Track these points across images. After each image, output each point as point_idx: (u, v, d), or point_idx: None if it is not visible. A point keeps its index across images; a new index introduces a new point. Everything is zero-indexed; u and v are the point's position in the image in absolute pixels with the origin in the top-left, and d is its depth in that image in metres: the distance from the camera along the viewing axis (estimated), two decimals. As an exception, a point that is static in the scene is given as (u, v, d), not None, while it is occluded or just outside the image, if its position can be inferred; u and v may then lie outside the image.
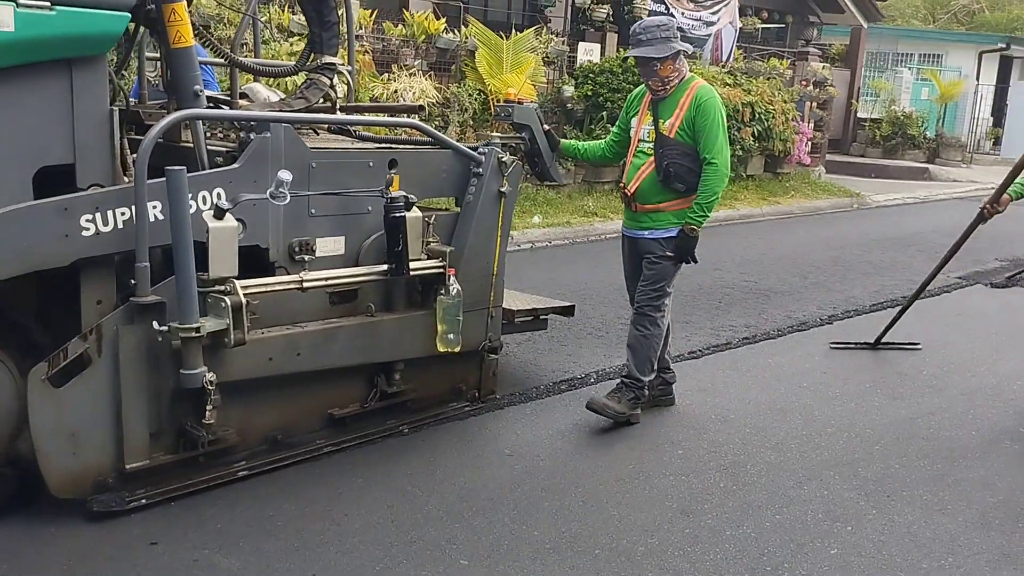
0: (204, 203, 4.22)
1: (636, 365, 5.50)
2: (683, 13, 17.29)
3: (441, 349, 4.98)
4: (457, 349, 4.99)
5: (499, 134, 5.39)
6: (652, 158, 5.43)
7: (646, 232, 5.53)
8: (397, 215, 4.62)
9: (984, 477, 5.03)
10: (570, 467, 4.92)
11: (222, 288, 4.16)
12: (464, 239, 5.17)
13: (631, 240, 5.66)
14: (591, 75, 14.90)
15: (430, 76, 13.15)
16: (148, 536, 3.96)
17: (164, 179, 3.97)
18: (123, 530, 4.01)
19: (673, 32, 5.35)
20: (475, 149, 5.23)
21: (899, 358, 5.48)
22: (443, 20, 13.94)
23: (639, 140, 5.55)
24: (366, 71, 11.98)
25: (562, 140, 5.84)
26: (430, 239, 4.95)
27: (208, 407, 4.17)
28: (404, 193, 4.76)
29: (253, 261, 4.46)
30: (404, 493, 4.47)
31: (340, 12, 5.16)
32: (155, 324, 4.04)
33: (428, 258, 4.91)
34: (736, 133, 16.44)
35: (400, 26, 13.65)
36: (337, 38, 5.03)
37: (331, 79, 5.02)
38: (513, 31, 14.14)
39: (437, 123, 12.70)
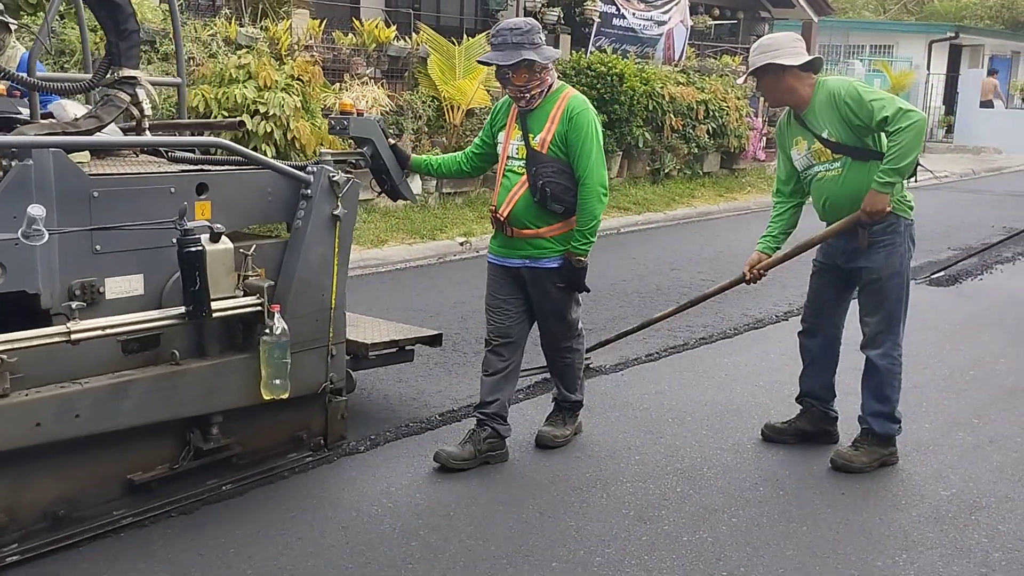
0: (-53, 246, 3.36)
1: (567, 388, 4.92)
2: (634, 14, 16.34)
3: (267, 396, 4.04)
4: (285, 395, 4.05)
5: (330, 150, 4.48)
6: (524, 177, 4.50)
7: (527, 261, 4.59)
8: (192, 249, 3.73)
9: (937, 470, 4.76)
10: (527, 479, 4.55)
11: (-41, 349, 3.31)
12: (293, 270, 4.21)
13: (503, 268, 4.70)
14: (543, 78, 14.02)
15: (383, 84, 12.31)
16: None
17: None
18: None
19: (528, 39, 4.37)
20: (303, 168, 4.33)
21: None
22: (393, 28, 13.09)
23: (508, 157, 4.60)
24: (316, 82, 11.16)
25: (413, 155, 4.88)
26: (249, 272, 4.06)
27: (-53, 491, 3.32)
28: (207, 223, 3.89)
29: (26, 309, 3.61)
30: (270, 547, 3.76)
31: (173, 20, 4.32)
32: None
33: (245, 294, 4.03)
34: (692, 131, 15.61)
35: (351, 35, 12.87)
36: (137, 48, 4.10)
37: (132, 94, 4.14)
38: (465, 36, 13.28)
39: (392, 131, 11.89)
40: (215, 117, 9.80)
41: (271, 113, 10.03)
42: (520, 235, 4.57)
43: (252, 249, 4.04)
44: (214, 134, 4.31)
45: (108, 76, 4.12)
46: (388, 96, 12.09)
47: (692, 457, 4.84)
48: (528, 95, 4.46)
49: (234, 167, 4.17)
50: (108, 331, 3.61)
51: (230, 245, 3.92)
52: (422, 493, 4.33)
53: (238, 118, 5.50)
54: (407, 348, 5.08)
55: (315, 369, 4.37)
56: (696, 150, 15.76)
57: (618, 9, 15.94)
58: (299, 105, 10.39)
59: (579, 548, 3.90)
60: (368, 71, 12.45)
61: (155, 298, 3.90)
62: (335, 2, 13.73)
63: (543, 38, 4.50)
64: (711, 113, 15.91)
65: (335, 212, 4.28)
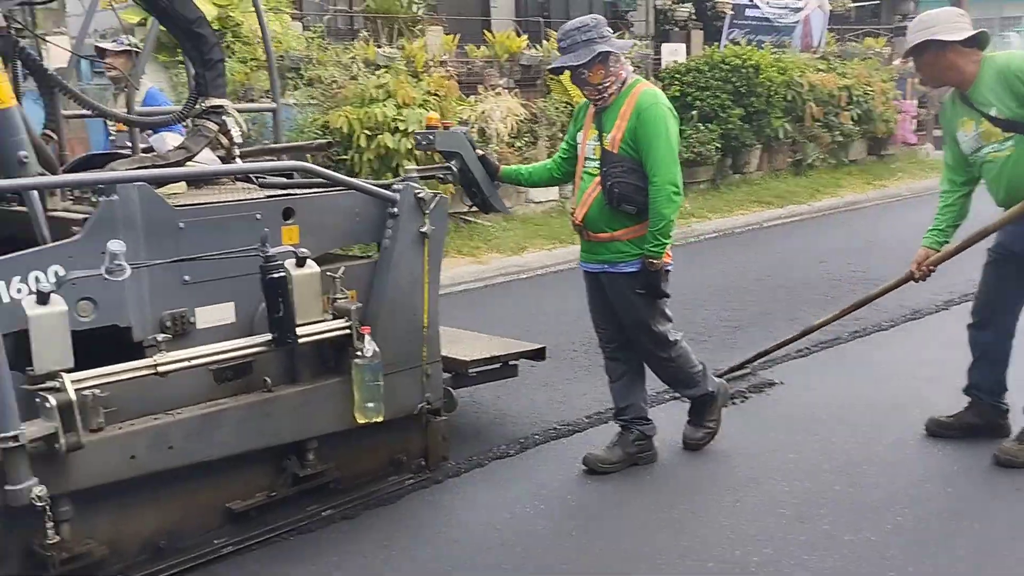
0: (39, 285, 3.33)
1: (688, 388, 4.63)
2: (768, 3, 15.67)
3: (361, 420, 3.90)
4: (379, 419, 3.90)
5: (416, 167, 4.30)
6: (598, 178, 4.25)
7: (606, 266, 4.34)
8: (275, 275, 3.62)
9: None
10: (679, 479, 4.41)
11: (51, 385, 3.28)
12: (383, 290, 4.06)
13: (591, 275, 4.47)
14: (677, 75, 13.61)
15: (516, 93, 12.20)
16: None
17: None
18: None
19: (598, 32, 4.13)
20: (389, 187, 4.17)
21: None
22: (524, 37, 12.99)
23: (585, 159, 4.35)
24: (452, 96, 11.17)
25: (503, 165, 4.67)
26: (337, 295, 3.93)
27: (47, 525, 3.28)
28: (291, 248, 3.78)
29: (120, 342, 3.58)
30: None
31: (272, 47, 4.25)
32: (-32, 436, 3.18)
33: (334, 317, 3.91)
34: (834, 119, 14.88)
35: (483, 47, 12.84)
36: (223, 77, 4.03)
37: (219, 123, 4.07)
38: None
39: (526, 139, 11.78)
40: (357, 136, 9.91)
41: (410, 130, 10.05)
42: (596, 239, 4.33)
43: (340, 271, 3.91)
44: (297, 157, 4.20)
45: (196, 106, 4.07)
46: (522, 104, 11.97)
47: (850, 454, 4.58)
48: (605, 92, 4.21)
49: (320, 190, 4.04)
50: (194, 362, 3.53)
51: (316, 269, 3.79)
52: (572, 495, 4.27)
53: (327, 140, 5.40)
54: (510, 363, 4.85)
55: (410, 390, 4.21)
56: (840, 138, 14.99)
57: (751, 0, 15.34)
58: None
59: (735, 548, 3.75)
60: (501, 81, 12.37)
61: (246, 325, 3.81)
62: (467, 16, 13.70)
63: (610, 31, 4.22)
64: (855, 99, 15.14)
65: (423, 229, 4.11)
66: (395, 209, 4.07)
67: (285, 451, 3.94)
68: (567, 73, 4.36)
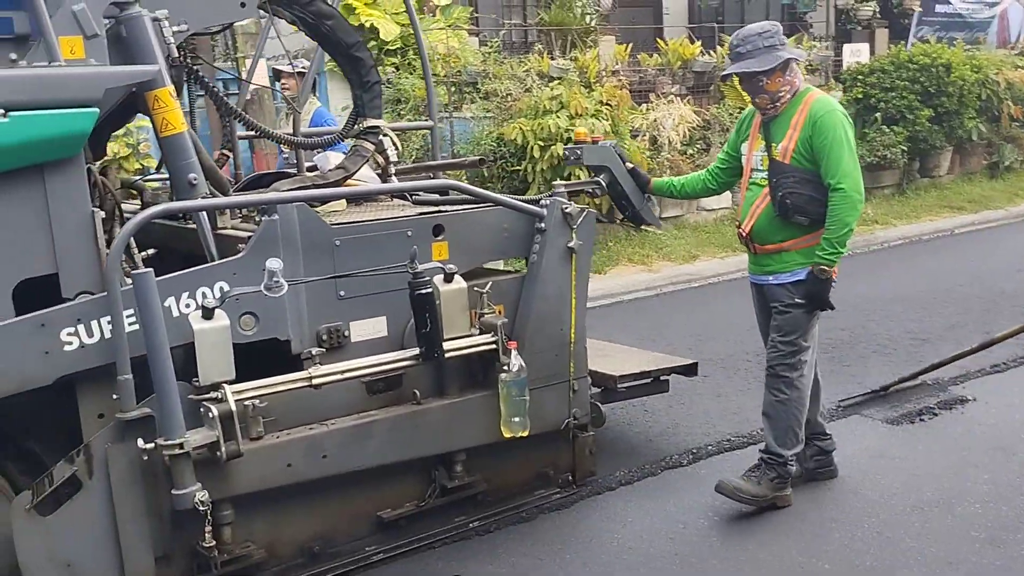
0: (204, 300, 3.53)
1: (775, 437, 4.18)
2: (960, -1, 14.91)
3: (506, 434, 3.91)
4: (525, 433, 3.91)
5: (564, 182, 4.28)
6: (766, 189, 4.12)
7: (770, 277, 4.20)
8: (423, 291, 3.69)
9: None
10: (861, 496, 4.24)
11: (214, 395, 3.46)
12: (530, 305, 4.08)
13: (757, 287, 4.34)
14: (860, 77, 13.06)
15: (688, 100, 12.05)
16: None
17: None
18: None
19: (779, 38, 4.03)
20: (537, 202, 4.17)
21: None
22: (698, 44, 12.81)
23: (752, 170, 4.23)
24: (624, 105, 11.16)
25: (653, 179, 4.59)
26: (485, 310, 3.97)
27: (207, 528, 3.45)
28: (439, 264, 3.84)
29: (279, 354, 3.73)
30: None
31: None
32: (140, 442, 3.38)
33: (480, 332, 3.94)
34: (1034, 118, 13.94)
35: (655, 55, 12.74)
36: (380, 98, 4.14)
37: (376, 143, 4.19)
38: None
39: (698, 147, 11.63)
40: (531, 147, 10.03)
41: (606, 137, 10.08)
42: (763, 250, 4.20)
43: (488, 286, 3.95)
44: (440, 176, 4.25)
45: (355, 127, 4.20)
46: (694, 111, 11.79)
47: None
48: (778, 101, 4.08)
49: (470, 207, 4.10)
50: (347, 375, 3.64)
51: (463, 284, 3.84)
52: (745, 508, 4.14)
53: (480, 156, 5.44)
54: (661, 379, 4.77)
55: (556, 405, 4.20)
56: (1041, 138, 14.04)
57: (943, -4, 14.61)
58: (608, 129, 10.38)
59: (922, 570, 3.62)
60: (673, 89, 12.23)
61: (398, 339, 3.90)
62: (639, 25, 13.61)
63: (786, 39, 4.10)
64: (1057, 97, 14.10)
65: (570, 244, 4.10)
66: (542, 224, 4.08)
67: (433, 463, 4.02)
68: (735, 78, 4.25)
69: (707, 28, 13.56)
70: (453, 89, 11.01)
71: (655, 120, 11.54)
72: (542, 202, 4.12)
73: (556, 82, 10.85)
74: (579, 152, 4.38)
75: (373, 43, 11.20)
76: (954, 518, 3.98)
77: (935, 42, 13.62)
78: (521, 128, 10.16)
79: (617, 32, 13.01)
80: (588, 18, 12.77)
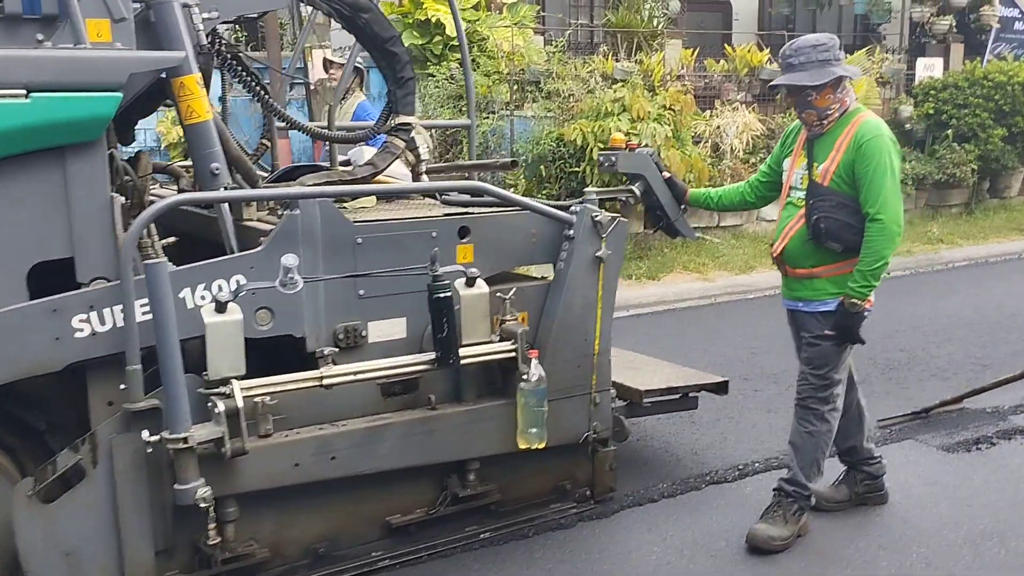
0: (219, 293, 3.41)
1: (801, 467, 3.96)
2: (1039, 15, 14.29)
3: (522, 445, 3.73)
4: (541, 445, 3.73)
5: (596, 188, 4.06)
6: (802, 210, 3.88)
7: (800, 304, 3.96)
8: (441, 295, 3.53)
9: None
10: (911, 524, 4.07)
11: (222, 391, 3.34)
12: (554, 314, 3.88)
13: (790, 313, 4.10)
14: (932, 91, 12.61)
15: (753, 108, 11.75)
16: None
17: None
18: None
19: (834, 53, 3.78)
20: (567, 208, 3.98)
21: None
22: (766, 51, 12.46)
23: (790, 188, 3.99)
24: (687, 110, 10.91)
25: (691, 189, 4.37)
26: (507, 316, 3.79)
27: (210, 525, 3.34)
28: (461, 268, 3.68)
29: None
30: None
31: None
32: (145, 434, 3.27)
33: (501, 339, 3.76)
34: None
35: (722, 61, 12.45)
36: (413, 95, 4.00)
37: (407, 140, 4.04)
38: (843, 54, 12.31)
39: (761, 155, 11.32)
40: (590, 149, 9.83)
41: (643, 144, 9.86)
42: (795, 275, 3.96)
43: (511, 292, 3.78)
44: (474, 176, 4.09)
45: (387, 123, 4.06)
46: (759, 120, 11.48)
47: None
48: (826, 119, 3.83)
49: (498, 210, 3.93)
50: (359, 376, 3.51)
51: (485, 289, 3.68)
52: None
53: (511, 158, 5.23)
54: (690, 395, 4.55)
55: (577, 417, 4.01)
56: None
57: (1021, 13, 13.98)
58: (670, 134, 10.17)
59: None
60: (739, 96, 11.94)
61: (417, 341, 3.75)
62: (708, 30, 13.30)
63: (843, 54, 3.85)
64: None
65: (598, 253, 3.90)
66: (571, 231, 3.89)
67: (447, 470, 3.86)
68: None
69: (777, 36, 13.16)
70: (516, 87, 10.85)
71: (718, 127, 11.30)
72: (572, 208, 3.93)
73: (619, 84, 10.64)
74: (614, 159, 4.18)
75: (439, 38, 11.10)
76: (1008, 552, 3.80)
77: (1012, 60, 13.09)
78: (582, 129, 9.98)
79: (684, 36, 12.72)
80: (656, 21, 12.50)
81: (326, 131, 4.18)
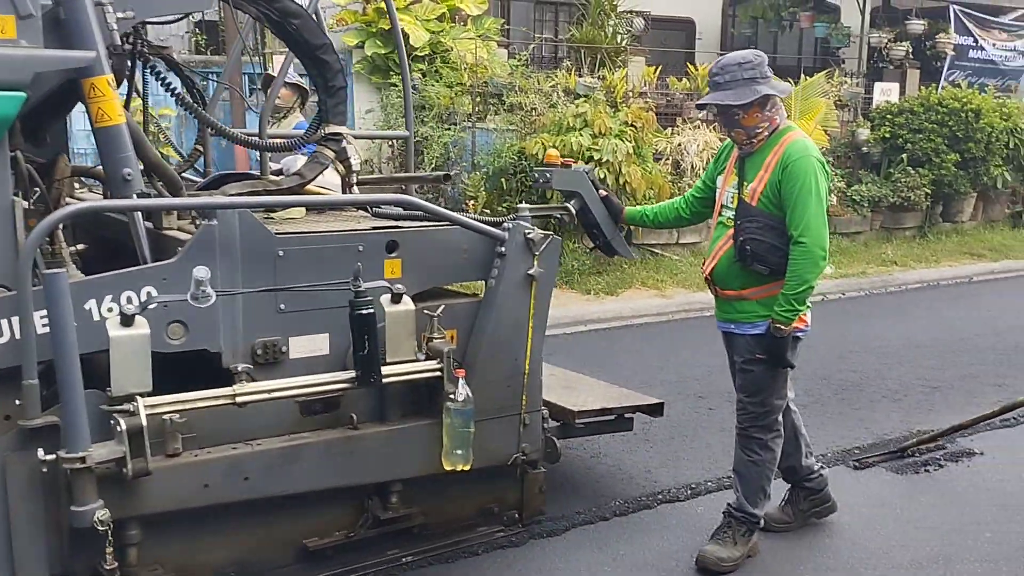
0: (120, 307, 3.16)
1: (746, 495, 3.83)
2: (995, 44, 14.28)
3: (447, 467, 3.52)
4: (467, 467, 3.52)
5: (529, 205, 3.88)
6: (732, 230, 3.72)
7: (732, 326, 3.80)
8: (362, 312, 3.32)
9: None
10: (859, 546, 3.98)
11: (126, 408, 3.11)
12: (484, 332, 3.69)
13: (724, 335, 3.94)
14: (888, 116, 12.56)
15: (714, 127, 11.62)
16: None
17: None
18: None
19: (761, 71, 3.62)
20: (499, 224, 3.80)
21: None
22: (729, 71, 12.35)
23: (722, 206, 3.83)
24: (649, 127, 10.77)
25: (627, 207, 4.19)
26: (434, 334, 3.59)
27: (108, 549, 3.10)
28: (386, 283, 3.48)
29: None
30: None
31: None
32: (40, 452, 3.04)
33: (427, 357, 3.57)
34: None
35: (684, 79, 12.32)
36: (344, 104, 3.80)
37: (337, 150, 3.83)
38: (803, 76, 12.21)
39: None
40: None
41: (604, 159, 9.78)
42: (724, 296, 3.80)
43: (439, 310, 3.57)
44: (411, 191, 3.89)
45: (317, 133, 3.85)
46: (720, 139, 11.37)
47: None
48: (755, 138, 3.66)
49: (429, 224, 3.72)
50: (274, 394, 3.29)
51: (411, 306, 3.48)
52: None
53: (444, 172, 5.01)
54: (626, 416, 4.37)
55: (505, 439, 3.80)
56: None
57: (976, 41, 13.99)
58: (631, 151, 10.06)
59: None
60: (700, 114, 11.79)
61: (341, 358, 3.53)
62: (671, 48, 13.18)
63: (771, 71, 3.68)
64: (1087, 148, 13.48)
65: (530, 271, 3.71)
66: (503, 248, 3.70)
67: (368, 491, 3.64)
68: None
69: (738, 57, 13.10)
70: (478, 99, 10.68)
71: (680, 144, 11.17)
72: (504, 225, 3.74)
73: (582, 100, 10.49)
74: (548, 175, 3.98)
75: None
76: None
77: (966, 87, 13.08)
78: (543, 143, 9.82)
79: (648, 53, 12.59)
80: (619, 38, 12.35)
81: (254, 139, 3.96)
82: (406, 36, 10.76)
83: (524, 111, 10.61)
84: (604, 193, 4.09)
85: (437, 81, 10.77)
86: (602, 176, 9.61)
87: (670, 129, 11.35)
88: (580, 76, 11.10)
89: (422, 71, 10.89)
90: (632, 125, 10.39)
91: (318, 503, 3.55)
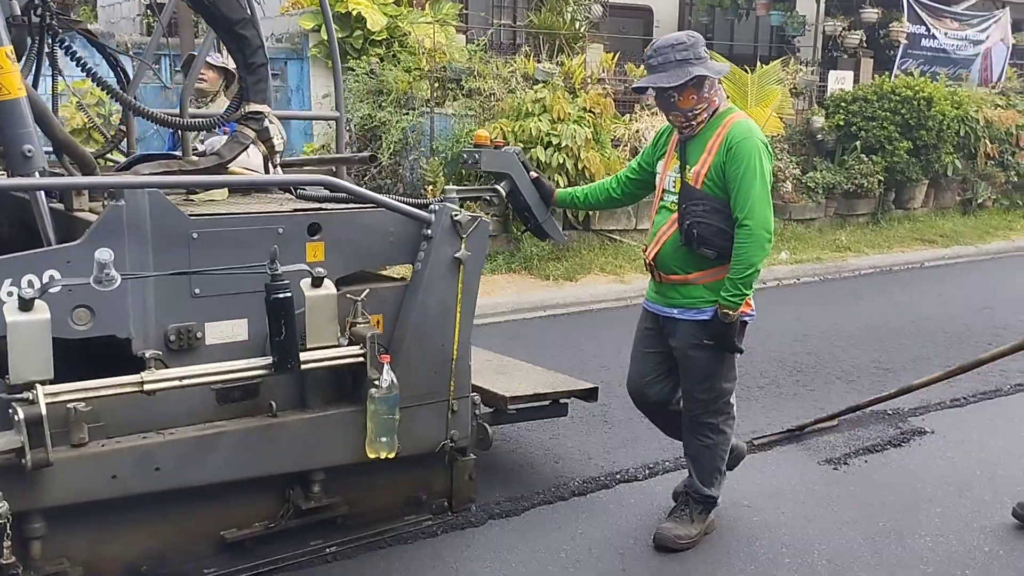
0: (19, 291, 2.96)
1: (700, 478, 3.73)
2: (946, 33, 14.22)
3: (371, 455, 3.33)
4: (392, 454, 3.33)
5: (456, 187, 3.69)
6: (675, 215, 3.56)
7: (675, 311, 3.63)
8: (279, 296, 3.12)
9: None
10: (813, 523, 3.98)
11: (24, 396, 2.91)
12: (409, 317, 3.50)
13: (654, 316, 3.76)
14: (843, 104, 12.46)
15: (675, 114, 11.46)
16: None
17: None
18: None
19: (695, 53, 3.43)
20: (426, 206, 3.61)
21: None
22: (685, 58, 12.18)
23: (663, 191, 3.65)
24: (607, 113, 10.61)
25: (558, 189, 4.02)
26: (358, 319, 3.40)
27: (6, 543, 2.90)
28: (306, 267, 3.28)
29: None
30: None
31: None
32: (-69, 443, 2.84)
33: (350, 343, 3.38)
34: (1011, 158, 13.32)
35: (642, 66, 12.14)
36: (266, 82, 3.60)
37: (258, 129, 3.62)
38: (759, 64, 12.08)
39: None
40: (511, 149, 9.46)
41: (563, 145, 9.64)
42: (668, 281, 3.63)
43: (364, 294, 3.38)
44: (341, 173, 3.68)
45: (237, 111, 3.64)
46: (675, 126, 11.23)
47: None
48: (694, 120, 3.49)
49: (353, 206, 3.52)
50: (185, 382, 3.08)
51: (333, 290, 3.28)
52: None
53: (370, 152, 4.79)
54: (561, 401, 4.20)
55: (433, 426, 3.62)
56: (1015, 179, 13.40)
57: (928, 30, 13.91)
58: (590, 136, 9.90)
59: None
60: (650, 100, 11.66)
61: (261, 344, 3.33)
62: (629, 35, 13.00)
63: (707, 52, 3.51)
64: (1035, 138, 13.49)
65: (457, 254, 3.52)
66: (429, 231, 3.51)
67: (289, 481, 3.44)
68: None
69: (697, 44, 12.95)
70: (436, 84, 10.45)
71: (637, 131, 11.01)
72: (431, 207, 3.55)
73: (540, 85, 10.30)
74: (477, 156, 3.78)
75: (359, 32, 10.64)
76: (904, 550, 3.77)
77: (919, 75, 13.01)
78: (502, 129, 9.63)
79: (606, 40, 12.40)
80: (577, 24, 12.16)
81: (174, 119, 3.73)
82: (363, 20, 10.53)
83: (483, 96, 10.41)
84: (535, 175, 3.91)
85: (395, 66, 10.53)
86: (561, 161, 9.48)
87: (628, 116, 11.21)
88: (539, 62, 10.92)
89: (380, 55, 10.64)
90: (591, 111, 10.25)
91: (236, 493, 3.34)
